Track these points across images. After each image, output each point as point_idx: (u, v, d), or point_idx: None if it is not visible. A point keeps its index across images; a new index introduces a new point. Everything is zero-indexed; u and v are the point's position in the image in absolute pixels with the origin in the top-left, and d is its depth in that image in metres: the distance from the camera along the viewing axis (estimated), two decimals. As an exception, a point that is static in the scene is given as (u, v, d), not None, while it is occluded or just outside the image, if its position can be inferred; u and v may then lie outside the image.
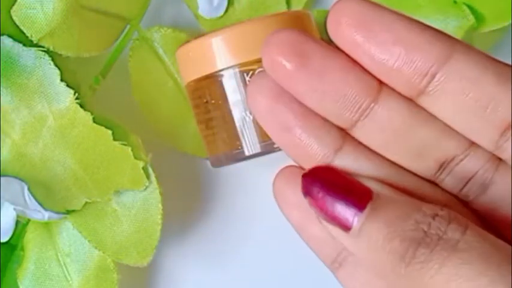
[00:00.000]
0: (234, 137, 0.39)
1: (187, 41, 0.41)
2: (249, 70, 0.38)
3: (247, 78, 0.38)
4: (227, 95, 0.39)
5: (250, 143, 0.39)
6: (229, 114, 0.39)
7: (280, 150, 0.39)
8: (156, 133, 0.45)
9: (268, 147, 0.39)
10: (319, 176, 0.28)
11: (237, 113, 0.39)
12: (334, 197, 0.27)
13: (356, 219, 0.26)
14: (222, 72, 0.39)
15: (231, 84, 0.39)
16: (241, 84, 0.39)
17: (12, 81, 0.41)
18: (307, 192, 0.28)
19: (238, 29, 0.39)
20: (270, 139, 0.39)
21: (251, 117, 0.39)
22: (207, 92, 0.40)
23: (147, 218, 0.42)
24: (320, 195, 0.27)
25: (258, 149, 0.39)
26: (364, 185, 0.27)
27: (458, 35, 0.42)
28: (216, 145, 0.40)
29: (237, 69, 0.38)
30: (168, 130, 0.45)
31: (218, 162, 0.41)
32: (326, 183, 0.27)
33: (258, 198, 0.47)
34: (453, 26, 0.42)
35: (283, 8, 0.44)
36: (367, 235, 0.26)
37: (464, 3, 0.42)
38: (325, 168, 0.28)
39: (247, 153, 0.39)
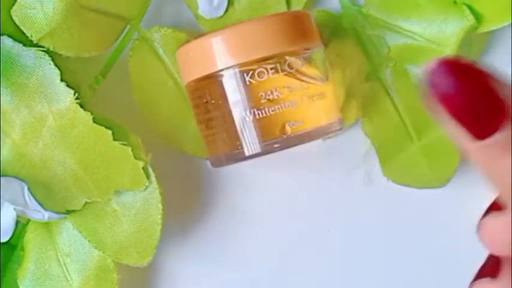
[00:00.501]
0: (234, 137, 0.39)
1: (187, 41, 0.41)
2: (249, 70, 0.38)
3: (247, 78, 0.38)
4: (227, 95, 0.39)
5: (250, 143, 0.39)
6: (229, 114, 0.39)
7: (280, 150, 0.39)
8: (156, 133, 0.45)
9: (267, 147, 0.39)
10: (459, 71, 0.24)
11: (237, 113, 0.39)
12: (471, 101, 0.24)
13: (488, 134, 0.24)
14: (222, 72, 0.39)
15: (231, 84, 0.39)
16: (241, 84, 0.39)
17: (12, 81, 0.41)
18: (438, 83, 0.24)
19: (238, 29, 0.39)
20: (270, 139, 0.39)
21: (251, 117, 0.39)
22: (207, 92, 0.40)
23: (147, 218, 0.42)
24: (455, 91, 0.24)
25: (258, 149, 0.39)
26: (506, 104, 0.24)
27: (458, 35, 0.42)
28: (216, 145, 0.40)
29: (237, 69, 0.38)
30: (168, 130, 0.45)
31: (218, 162, 0.41)
32: (466, 80, 0.24)
33: (258, 198, 0.47)
34: (453, 26, 0.42)
35: (283, 8, 0.44)
36: (492, 154, 0.24)
37: (464, 3, 0.42)
38: (468, 66, 0.25)
39: (247, 153, 0.39)
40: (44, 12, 0.40)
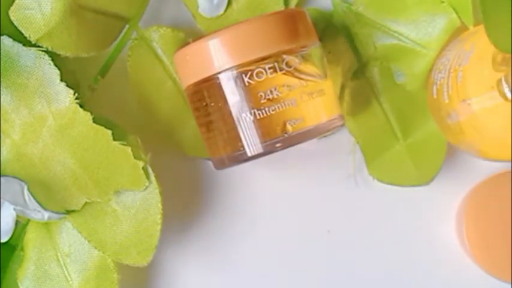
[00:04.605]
0: (235, 138, 0.39)
1: (186, 43, 0.41)
2: (247, 71, 0.38)
3: (245, 79, 0.38)
4: (226, 96, 0.39)
5: (251, 144, 0.39)
6: (229, 116, 0.39)
7: (282, 149, 0.39)
8: (155, 133, 0.45)
9: (269, 147, 0.39)
10: None
11: (237, 114, 0.39)
12: None
13: None
14: (220, 75, 0.39)
15: (229, 86, 0.39)
16: (240, 85, 0.38)
17: (12, 81, 0.41)
18: None
19: (234, 30, 0.39)
20: (271, 139, 0.39)
21: (252, 118, 0.39)
22: (206, 94, 0.40)
23: (147, 217, 0.42)
24: None
25: (260, 150, 0.39)
26: None
27: (443, 38, 0.43)
28: (217, 147, 0.40)
29: (235, 71, 0.38)
30: (167, 130, 0.45)
31: (221, 165, 0.41)
32: None
33: (258, 198, 0.47)
34: (439, 29, 0.43)
35: (280, 7, 0.44)
36: None
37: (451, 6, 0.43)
38: None
39: (249, 154, 0.39)
40: (42, 13, 0.40)
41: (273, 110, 0.39)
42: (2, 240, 0.43)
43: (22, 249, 0.44)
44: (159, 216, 0.42)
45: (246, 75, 0.38)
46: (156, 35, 0.44)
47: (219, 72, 0.39)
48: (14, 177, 0.42)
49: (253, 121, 0.39)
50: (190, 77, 0.40)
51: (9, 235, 0.43)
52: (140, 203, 0.42)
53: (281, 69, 0.39)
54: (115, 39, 0.44)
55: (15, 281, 0.44)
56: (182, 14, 0.45)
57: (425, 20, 0.43)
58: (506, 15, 0.36)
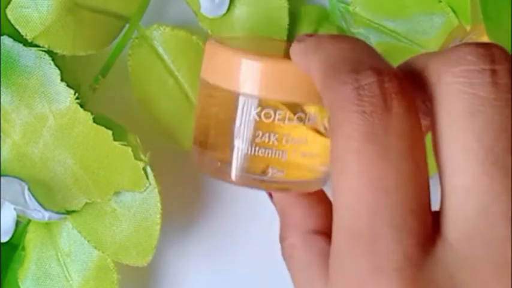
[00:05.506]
0: (226, 158, 0.37)
1: (222, 38, 0.39)
2: (258, 106, 0.36)
3: (253, 113, 0.36)
4: (235, 118, 0.37)
5: (235, 170, 0.37)
6: (230, 133, 0.37)
7: (261, 189, 0.38)
8: (156, 132, 0.45)
9: (250, 180, 0.37)
10: None
11: (234, 138, 0.37)
12: None
13: None
14: (236, 95, 0.37)
15: (240, 111, 0.37)
16: (247, 115, 0.36)
17: (12, 81, 0.41)
18: None
19: (269, 62, 0.36)
20: (253, 173, 0.37)
21: (241, 150, 0.37)
22: (218, 102, 0.38)
23: (147, 217, 0.42)
24: None
25: (239, 180, 0.37)
26: None
27: (441, 38, 0.42)
28: (206, 153, 0.38)
29: (249, 100, 0.36)
30: (168, 129, 0.45)
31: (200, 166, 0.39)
32: None
33: (258, 197, 0.46)
34: (438, 28, 0.42)
35: (283, 5, 0.43)
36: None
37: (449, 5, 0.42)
38: None
39: (233, 178, 0.38)
40: (38, 11, 0.40)
41: (261, 153, 0.37)
42: (2, 240, 0.43)
43: (23, 249, 0.44)
44: (159, 216, 0.42)
45: (254, 109, 0.37)
46: (157, 34, 0.44)
47: (237, 93, 0.37)
48: (15, 177, 0.42)
49: (245, 153, 0.37)
50: (211, 74, 0.38)
51: (9, 235, 0.43)
52: (140, 202, 0.42)
53: (290, 120, 0.37)
54: (114, 38, 0.44)
55: (16, 280, 0.44)
56: (184, 13, 0.45)
57: (423, 19, 0.43)
58: (506, 15, 0.36)
